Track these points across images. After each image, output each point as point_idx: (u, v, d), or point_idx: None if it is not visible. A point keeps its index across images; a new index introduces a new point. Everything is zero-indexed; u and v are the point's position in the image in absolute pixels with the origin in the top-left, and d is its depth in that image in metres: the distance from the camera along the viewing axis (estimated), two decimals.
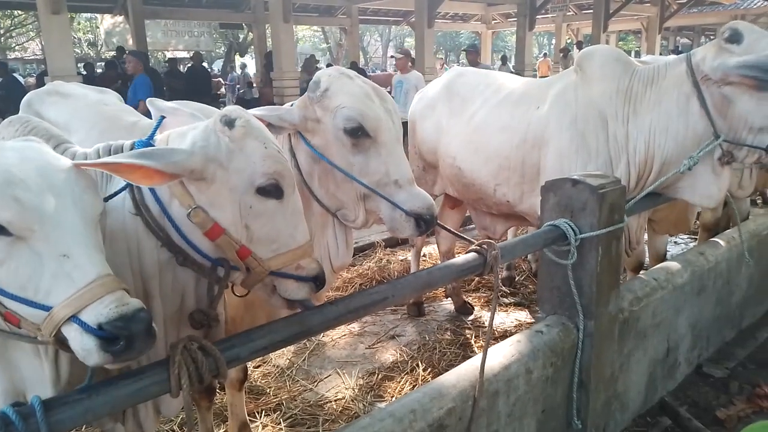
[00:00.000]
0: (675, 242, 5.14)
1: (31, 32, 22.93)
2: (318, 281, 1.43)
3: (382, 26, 29.83)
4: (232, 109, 1.40)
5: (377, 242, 4.98)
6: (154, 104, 1.89)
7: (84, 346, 1.05)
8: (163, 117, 1.65)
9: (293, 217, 1.41)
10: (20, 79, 12.21)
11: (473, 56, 8.70)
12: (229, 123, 1.34)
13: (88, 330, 1.05)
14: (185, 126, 1.47)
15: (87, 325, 1.05)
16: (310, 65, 14.42)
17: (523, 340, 2.07)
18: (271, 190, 1.35)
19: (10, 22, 21.68)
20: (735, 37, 2.34)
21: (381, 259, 4.77)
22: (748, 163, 2.37)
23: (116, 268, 1.20)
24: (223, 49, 24.38)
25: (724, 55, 2.32)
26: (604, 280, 2.17)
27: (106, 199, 1.44)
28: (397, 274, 4.42)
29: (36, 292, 1.09)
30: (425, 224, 1.78)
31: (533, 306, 3.95)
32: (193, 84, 10.54)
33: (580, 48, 18.88)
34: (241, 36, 21.15)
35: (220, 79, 20.20)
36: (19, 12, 19.21)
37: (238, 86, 17.67)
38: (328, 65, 16.99)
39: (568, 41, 21.79)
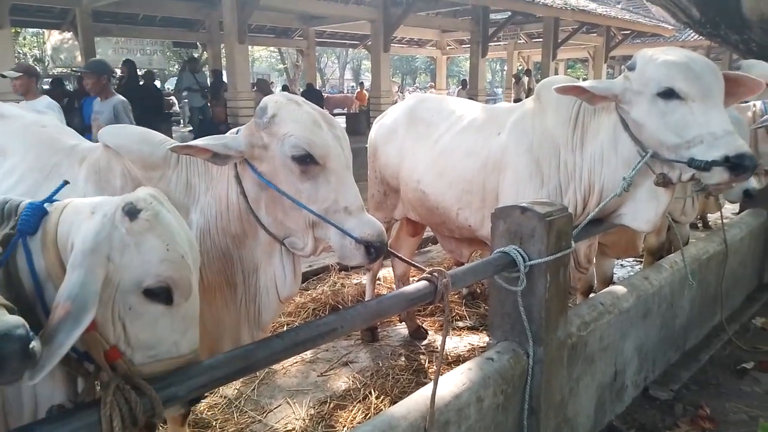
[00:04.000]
0: (621, 265, 5.30)
1: None
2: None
3: (339, 48, 30.10)
4: (142, 197, 1.26)
5: (331, 265, 4.93)
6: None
7: None
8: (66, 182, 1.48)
9: (182, 323, 1.29)
10: None
11: None
12: (132, 213, 1.21)
13: None
14: (88, 199, 1.34)
15: None
16: (264, 86, 14.39)
17: (474, 368, 2.06)
18: (160, 294, 1.23)
19: None
20: (632, 65, 2.44)
21: (335, 283, 4.72)
22: (684, 180, 2.39)
23: None
24: (176, 67, 23.99)
25: (625, 83, 2.40)
26: (552, 306, 2.20)
27: None
28: (351, 299, 4.38)
29: None
30: (375, 251, 1.76)
31: (486, 330, 3.97)
32: (144, 103, 10.28)
33: (529, 75, 19.54)
34: (196, 54, 20.87)
35: (173, 97, 19.85)
36: None
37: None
38: (284, 86, 17.00)
39: (520, 68, 22.50)
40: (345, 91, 32.01)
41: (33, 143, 2.27)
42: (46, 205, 1.32)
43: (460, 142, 3.09)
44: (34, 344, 0.99)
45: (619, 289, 2.94)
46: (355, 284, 4.70)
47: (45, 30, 18.81)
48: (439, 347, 3.69)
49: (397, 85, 29.88)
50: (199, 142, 1.80)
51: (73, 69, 17.17)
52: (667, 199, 2.51)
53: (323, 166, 1.76)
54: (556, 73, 18.86)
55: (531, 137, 2.74)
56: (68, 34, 15.84)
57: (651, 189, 2.48)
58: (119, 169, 2.05)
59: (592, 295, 3.47)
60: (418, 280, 1.84)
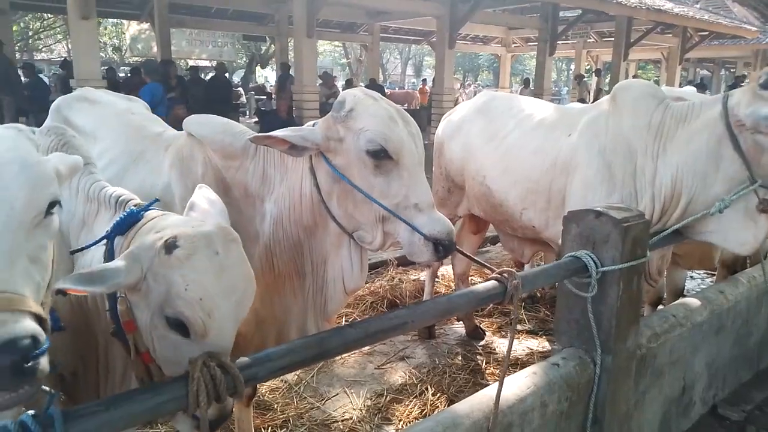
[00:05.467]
0: (691, 277, 5.07)
1: (58, 35, 23.39)
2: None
3: (402, 44, 30.09)
4: (191, 235, 1.30)
5: (390, 260, 4.95)
6: None
7: None
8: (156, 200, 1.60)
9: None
10: (45, 79, 12.44)
11: None
12: (169, 248, 1.27)
13: None
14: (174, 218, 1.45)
15: None
16: (328, 79, 14.58)
17: (539, 372, 2.03)
18: (178, 325, 1.27)
19: (39, 24, 22.14)
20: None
21: (393, 278, 4.75)
22: None
23: None
24: (244, 59, 24.69)
25: (758, 103, 2.28)
26: (624, 315, 2.14)
27: (76, 251, 1.49)
28: (409, 294, 4.40)
29: None
30: (444, 249, 1.77)
31: (545, 334, 3.90)
32: (214, 93, 10.65)
33: (598, 75, 18.92)
34: (263, 48, 21.40)
35: (241, 89, 20.45)
36: (49, 15, 19.60)
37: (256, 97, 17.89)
38: (348, 80, 17.17)
39: (588, 67, 21.83)
40: (406, 87, 31.99)
41: (123, 130, 2.40)
42: (145, 212, 1.46)
43: (528, 140, 3.05)
44: (40, 362, 0.94)
45: (692, 301, 2.82)
46: (413, 280, 4.72)
47: (124, 20, 19.75)
48: (496, 349, 3.68)
49: (459, 82, 29.59)
50: (278, 133, 1.85)
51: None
52: (766, 225, 2.40)
53: (397, 161, 1.78)
54: (627, 75, 18.18)
55: (604, 140, 2.67)
56: (146, 25, 16.58)
57: (749, 212, 2.38)
58: (201, 157, 2.14)
59: (660, 306, 3.35)
60: (487, 280, 1.84)
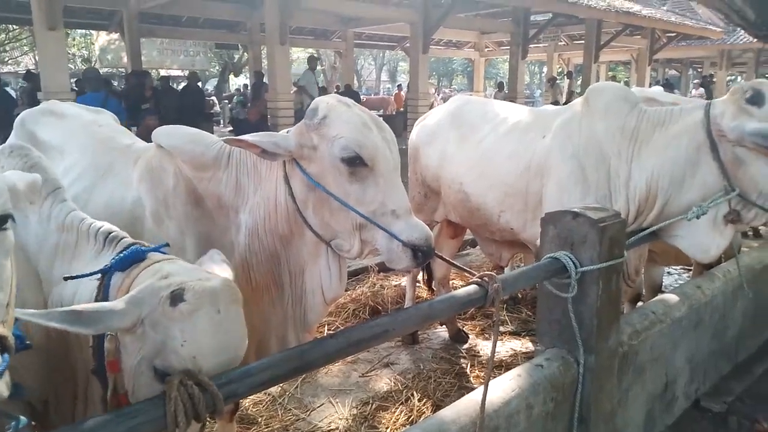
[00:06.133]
0: (668, 272, 5.14)
1: (25, 47, 22.91)
2: None
3: (376, 50, 30.18)
4: (198, 290, 1.26)
5: (370, 267, 4.93)
6: None
7: None
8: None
9: None
10: (12, 92, 12.13)
11: None
12: (174, 300, 1.24)
13: None
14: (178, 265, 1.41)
15: None
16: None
17: (524, 374, 2.02)
18: (164, 377, 1.24)
19: (4, 36, 21.67)
20: (756, 99, 2.31)
21: (374, 284, 4.72)
22: (756, 224, 2.34)
23: None
24: (217, 68, 24.49)
25: (743, 117, 2.30)
26: (604, 314, 2.14)
27: (71, 278, 1.44)
28: (391, 300, 4.37)
29: None
30: (423, 255, 1.75)
31: (527, 335, 3.91)
32: (187, 103, 10.52)
33: (570, 77, 19.20)
34: (236, 56, 21.26)
35: (214, 98, 20.26)
36: (15, 26, 19.20)
37: (230, 105, 17.71)
38: (322, 88, 17.13)
39: (560, 70, 22.13)
40: (381, 93, 32.08)
41: (90, 142, 2.34)
42: (150, 253, 1.43)
43: (503, 144, 3.06)
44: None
45: (670, 297, 2.85)
46: (395, 286, 4.69)
47: (93, 31, 19.43)
48: (480, 351, 3.68)
49: (434, 87, 29.77)
50: (250, 137, 1.81)
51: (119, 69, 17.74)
52: (730, 235, 2.45)
53: (372, 168, 1.76)
54: (598, 76, 18.48)
55: (577, 142, 2.69)
56: (115, 36, 16.32)
57: (716, 221, 2.42)
58: (171, 169, 2.09)
59: (639, 303, 3.38)
60: (468, 284, 1.82)
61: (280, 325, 2.08)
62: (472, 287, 1.79)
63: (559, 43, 20.13)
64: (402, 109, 16.99)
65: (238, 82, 26.07)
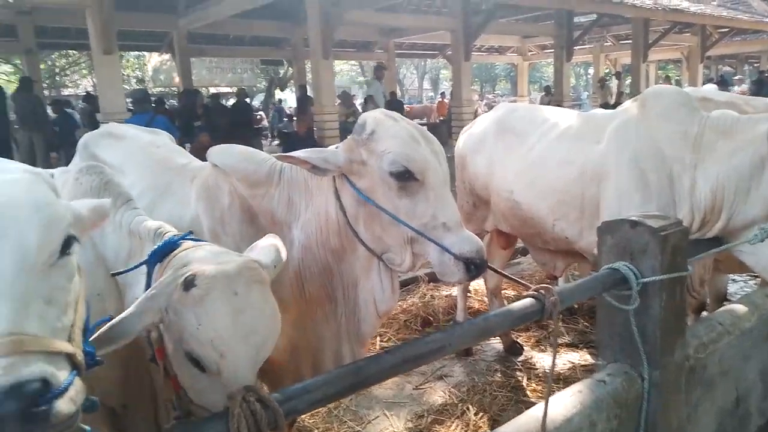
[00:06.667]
0: (733, 280, 4.90)
1: (84, 70, 24.10)
2: None
3: (417, 59, 30.25)
4: (210, 275, 1.28)
5: (420, 277, 4.90)
6: None
7: None
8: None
9: (226, 390, 1.27)
10: (74, 114, 12.78)
11: None
12: (187, 285, 1.27)
13: None
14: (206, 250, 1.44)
15: None
16: (347, 99, 14.68)
17: (585, 390, 1.95)
18: (194, 359, 1.27)
19: (65, 61, 22.86)
20: None
21: (425, 295, 4.70)
22: None
23: None
24: (263, 83, 25.08)
25: None
26: (669, 327, 2.05)
27: (117, 274, 1.52)
28: (442, 311, 4.34)
29: None
30: (476, 268, 1.73)
31: (585, 347, 3.79)
32: (237, 119, 10.81)
33: (618, 78, 18.68)
34: (281, 71, 21.72)
35: (261, 113, 20.73)
36: (74, 52, 20.23)
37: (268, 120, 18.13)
38: (366, 98, 17.28)
39: (607, 71, 21.60)
40: (424, 102, 32.08)
41: (148, 163, 2.42)
42: (181, 241, 1.48)
43: (554, 150, 2.99)
44: (54, 405, 0.90)
45: (738, 307, 2.70)
46: (445, 296, 4.65)
47: (146, 53, 20.27)
48: (536, 364, 3.59)
49: (477, 93, 29.55)
50: (300, 153, 1.84)
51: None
52: None
53: (421, 181, 1.75)
54: (647, 76, 17.92)
55: (635, 146, 2.60)
56: (167, 56, 16.97)
57: None
58: (226, 187, 2.14)
59: (704, 313, 3.23)
60: (523, 297, 1.78)
61: (334, 338, 2.09)
62: (528, 300, 1.74)
63: (605, 44, 19.67)
64: (445, 117, 16.91)
65: (284, 96, 26.62)
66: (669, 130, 2.52)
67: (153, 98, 12.48)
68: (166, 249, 1.48)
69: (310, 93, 12.15)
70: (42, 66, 15.21)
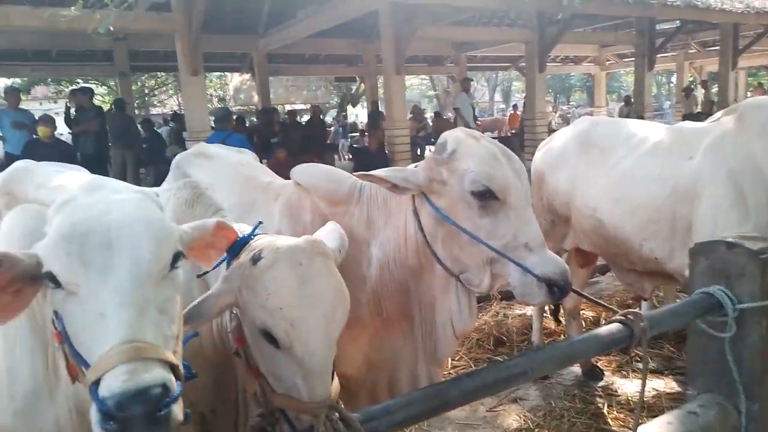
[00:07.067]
0: None
1: (170, 90, 25.64)
2: None
3: (489, 71, 29.98)
4: (273, 248, 1.37)
5: (493, 295, 4.82)
6: None
7: (93, 417, 0.96)
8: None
9: (300, 370, 1.31)
10: (161, 132, 13.62)
11: None
12: (255, 260, 1.35)
13: (95, 400, 0.96)
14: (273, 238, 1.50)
15: (96, 395, 0.96)
16: (418, 113, 14.77)
17: (675, 422, 1.85)
18: (268, 335, 1.31)
19: (153, 82, 24.43)
20: None
21: (497, 313, 4.61)
22: None
23: None
24: (336, 100, 25.71)
25: None
26: None
27: (202, 275, 1.58)
28: (516, 330, 4.24)
29: (82, 348, 1.05)
30: (559, 291, 1.68)
31: (671, 374, 3.59)
32: (310, 135, 11.15)
33: (705, 87, 17.69)
34: (354, 87, 22.20)
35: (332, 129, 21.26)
36: (162, 73, 21.58)
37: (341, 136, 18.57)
38: (436, 113, 17.31)
39: (691, 79, 20.54)
40: (495, 114, 31.68)
41: (236, 181, 2.54)
42: (254, 235, 1.55)
43: (642, 166, 2.87)
44: (172, 409, 0.96)
45: None
46: (519, 315, 4.55)
47: (228, 73, 21.31)
48: (617, 390, 3.43)
49: (551, 104, 28.85)
50: (381, 172, 1.87)
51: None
52: None
53: (503, 200, 1.73)
54: (736, 84, 16.86)
55: (732, 163, 2.46)
56: (247, 76, 17.77)
57: None
58: (308, 205, 2.20)
59: None
60: (610, 322, 1.72)
61: (411, 357, 2.10)
62: (616, 326, 1.68)
63: (690, 51, 18.71)
64: (517, 130, 16.63)
65: (355, 111, 27.14)
66: None
67: (234, 116, 13.10)
68: (241, 244, 1.53)
69: (381, 108, 12.31)
70: (133, 87, 16.31)
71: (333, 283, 1.38)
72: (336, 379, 1.44)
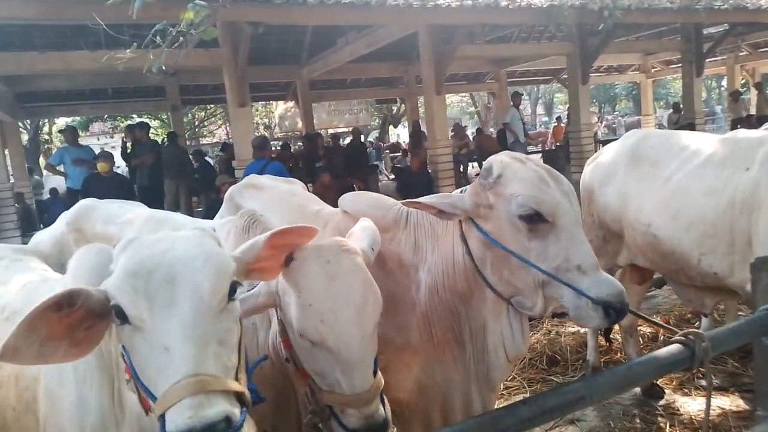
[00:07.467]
0: None
1: (219, 120, 26.52)
2: None
3: (530, 85, 29.72)
4: (298, 249, 1.48)
5: None
6: None
7: None
8: None
9: (336, 364, 1.38)
10: (210, 161, 14.10)
11: None
12: (287, 261, 1.45)
13: None
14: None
15: (163, 428, 1.02)
16: (460, 131, 14.74)
17: None
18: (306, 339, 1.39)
19: (203, 113, 25.36)
20: None
21: (549, 331, 4.52)
22: None
23: None
24: (378, 121, 25.98)
25: None
26: None
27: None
28: (570, 349, 4.14)
29: (149, 382, 1.10)
30: (615, 313, 1.65)
31: (737, 390, 3.42)
32: (352, 158, 11.30)
33: (759, 89, 16.98)
34: (395, 108, 22.40)
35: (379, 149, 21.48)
36: (211, 105, 22.39)
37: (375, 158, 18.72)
38: (478, 129, 17.24)
39: (743, 82, 19.76)
40: (538, 127, 31.29)
41: (287, 210, 2.61)
42: None
43: (697, 179, 2.80)
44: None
45: None
46: (572, 333, 4.44)
47: (273, 101, 21.91)
48: (679, 409, 3.30)
49: (596, 115, 28.26)
50: (427, 199, 1.90)
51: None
52: None
53: (552, 223, 1.73)
54: None
55: None
56: (291, 103, 18.22)
57: None
58: None
59: None
60: (671, 343, 1.68)
61: (463, 383, 2.09)
62: (676, 347, 1.65)
63: (740, 54, 18.02)
64: (561, 142, 16.35)
65: (397, 131, 27.33)
66: None
67: (280, 143, 13.36)
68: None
69: (422, 128, 12.37)
70: (184, 119, 16.98)
71: (361, 277, 1.46)
72: (380, 375, 1.48)
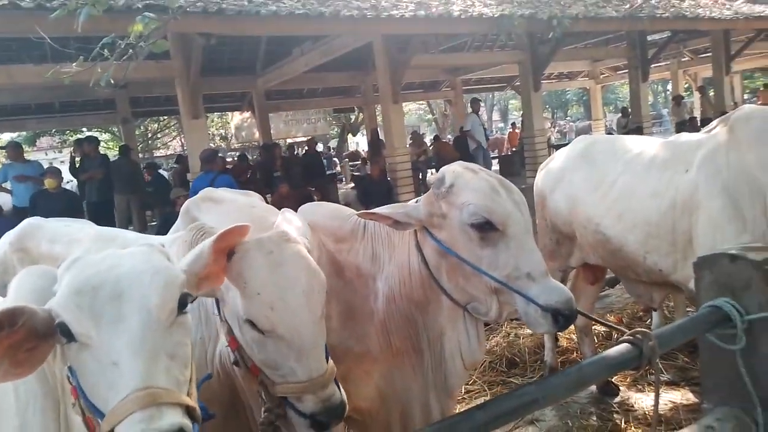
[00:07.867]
0: None
1: (173, 132, 26.00)
2: (316, 419, 1.37)
3: (485, 92, 30.26)
4: (238, 244, 1.48)
5: None
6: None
7: None
8: None
9: (289, 351, 1.39)
10: (165, 174, 13.79)
11: None
12: (228, 256, 1.43)
13: None
14: None
15: None
16: (418, 139, 14.88)
17: None
18: (254, 325, 1.39)
19: (156, 125, 24.81)
20: None
21: (508, 334, 4.59)
22: None
23: None
24: (336, 130, 25.98)
25: None
26: None
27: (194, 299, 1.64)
28: (528, 350, 4.22)
29: (97, 399, 1.07)
30: (564, 319, 1.71)
31: (687, 384, 3.55)
32: (309, 167, 11.26)
33: (702, 92, 17.79)
34: (353, 117, 22.46)
35: (336, 158, 21.43)
36: (164, 117, 21.94)
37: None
38: (436, 137, 17.45)
39: (686, 86, 20.65)
40: (494, 133, 31.90)
41: (245, 222, 2.58)
42: None
43: (640, 181, 2.92)
44: None
45: None
46: (530, 335, 4.52)
47: (228, 112, 21.64)
48: (633, 405, 3.40)
49: (549, 120, 29.02)
50: (383, 210, 1.92)
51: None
52: None
53: (503, 232, 1.77)
54: (732, 88, 16.94)
55: (726, 175, 2.50)
56: (247, 114, 18.04)
57: None
58: (315, 242, 2.24)
59: None
60: (619, 343, 1.73)
61: (422, 391, 2.10)
62: (624, 346, 1.69)
63: (683, 59, 18.87)
64: (517, 147, 16.71)
65: (356, 140, 27.39)
66: (761, 156, 2.40)
67: (237, 154, 13.12)
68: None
69: (381, 136, 12.43)
70: (136, 132, 16.57)
71: (305, 263, 1.47)
72: (331, 361, 1.48)
